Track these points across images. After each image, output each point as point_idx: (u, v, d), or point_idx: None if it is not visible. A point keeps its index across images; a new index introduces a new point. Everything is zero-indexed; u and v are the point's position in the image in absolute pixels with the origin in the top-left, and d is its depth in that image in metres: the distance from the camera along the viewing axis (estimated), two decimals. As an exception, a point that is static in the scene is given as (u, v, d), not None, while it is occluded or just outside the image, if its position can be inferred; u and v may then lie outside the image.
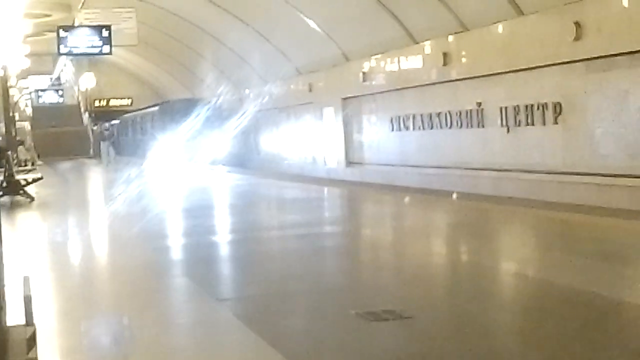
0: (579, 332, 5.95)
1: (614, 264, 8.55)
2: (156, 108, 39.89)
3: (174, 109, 36.66)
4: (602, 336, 5.79)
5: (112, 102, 57.48)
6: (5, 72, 32.99)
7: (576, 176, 15.99)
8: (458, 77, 19.99)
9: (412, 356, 5.54)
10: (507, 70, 18.04)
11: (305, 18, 25.36)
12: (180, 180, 24.80)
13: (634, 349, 5.54)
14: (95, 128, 51.30)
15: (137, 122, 45.51)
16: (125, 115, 50.95)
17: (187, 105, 35.31)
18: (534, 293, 7.65)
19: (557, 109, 16.72)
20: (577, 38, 15.50)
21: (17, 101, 53.65)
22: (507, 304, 7.34)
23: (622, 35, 14.57)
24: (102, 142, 38.87)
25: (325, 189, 20.52)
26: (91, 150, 50.25)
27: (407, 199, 16.75)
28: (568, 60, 16.04)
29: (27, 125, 55.08)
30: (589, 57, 15.54)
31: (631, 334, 5.99)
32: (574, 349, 5.51)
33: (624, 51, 14.64)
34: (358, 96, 25.46)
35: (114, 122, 51.24)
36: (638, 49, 14.31)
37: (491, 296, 7.52)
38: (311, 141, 29.38)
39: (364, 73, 24.59)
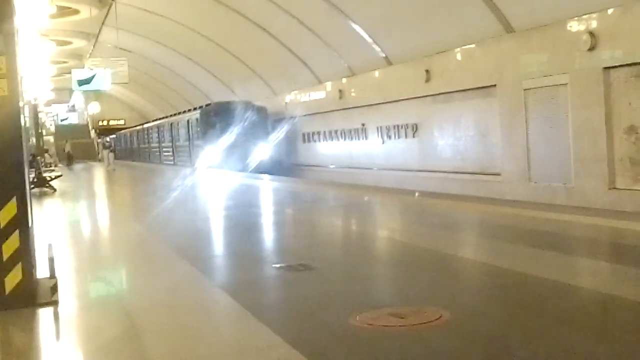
0: (424, 273, 6.12)
1: (448, 231, 8.79)
2: (197, 112, 28.05)
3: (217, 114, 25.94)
4: (440, 277, 5.97)
5: (111, 122, 57.87)
6: (36, 101, 32.19)
7: (427, 172, 16.37)
8: (349, 106, 20.23)
9: (314, 290, 5.63)
10: (382, 102, 18.34)
11: (248, 69, 25.58)
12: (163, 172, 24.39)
13: (463, 287, 5.75)
14: (99, 140, 50.23)
15: (163, 129, 35.80)
16: (146, 124, 42.17)
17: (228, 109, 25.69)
18: (398, 250, 7.82)
19: (415, 128, 17.06)
20: (427, 80, 15.87)
21: (44, 122, 52.70)
22: (381, 258, 7.48)
23: (457, 79, 14.97)
24: (104, 150, 37.93)
25: (258, 181, 20.45)
26: (97, 156, 49.20)
27: (311, 188, 16.82)
28: (421, 95, 16.41)
29: (51, 138, 53.91)
30: (435, 93, 15.93)
31: (460, 276, 6.20)
32: (420, 284, 5.69)
33: (458, 89, 15.06)
34: (282, 119, 25.49)
35: (112, 136, 50.19)
36: (467, 88, 14.73)
37: (370, 253, 7.66)
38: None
39: (286, 103, 24.63)
